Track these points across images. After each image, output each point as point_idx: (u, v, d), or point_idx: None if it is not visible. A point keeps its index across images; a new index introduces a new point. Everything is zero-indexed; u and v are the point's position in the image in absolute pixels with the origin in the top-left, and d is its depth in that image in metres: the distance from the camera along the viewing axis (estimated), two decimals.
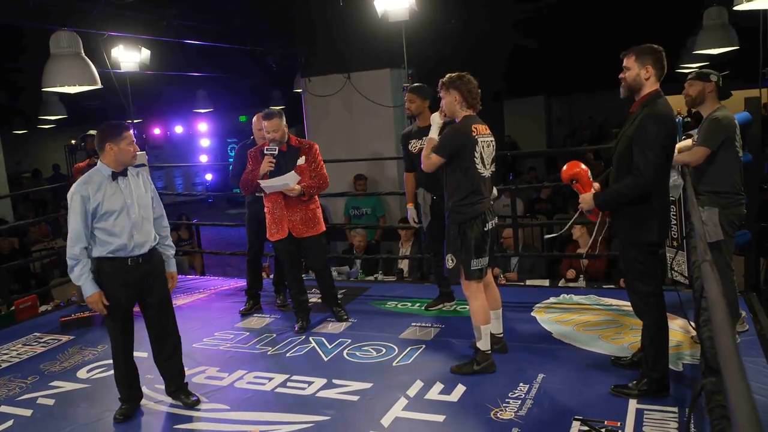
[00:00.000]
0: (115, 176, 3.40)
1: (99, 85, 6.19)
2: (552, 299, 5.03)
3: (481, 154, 3.67)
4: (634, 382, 3.34)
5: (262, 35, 9.10)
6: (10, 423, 3.51)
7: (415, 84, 4.87)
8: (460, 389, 3.57)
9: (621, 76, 3.23)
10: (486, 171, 3.71)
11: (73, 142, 17.35)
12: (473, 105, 3.74)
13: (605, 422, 3.11)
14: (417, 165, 4.66)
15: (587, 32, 9.74)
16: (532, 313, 4.74)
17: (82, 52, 6.07)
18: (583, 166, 3.45)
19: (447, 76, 3.76)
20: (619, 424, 3.09)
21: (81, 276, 3.32)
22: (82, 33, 6.28)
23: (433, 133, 3.82)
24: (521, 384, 3.57)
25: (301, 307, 4.74)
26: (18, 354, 4.68)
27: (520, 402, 3.38)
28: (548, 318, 4.63)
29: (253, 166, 4.55)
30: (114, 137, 3.37)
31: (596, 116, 17.26)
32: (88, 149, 6.23)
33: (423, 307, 4.99)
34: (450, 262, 3.73)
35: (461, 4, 8.69)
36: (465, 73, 3.78)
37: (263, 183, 4.41)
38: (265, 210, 4.62)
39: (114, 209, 3.35)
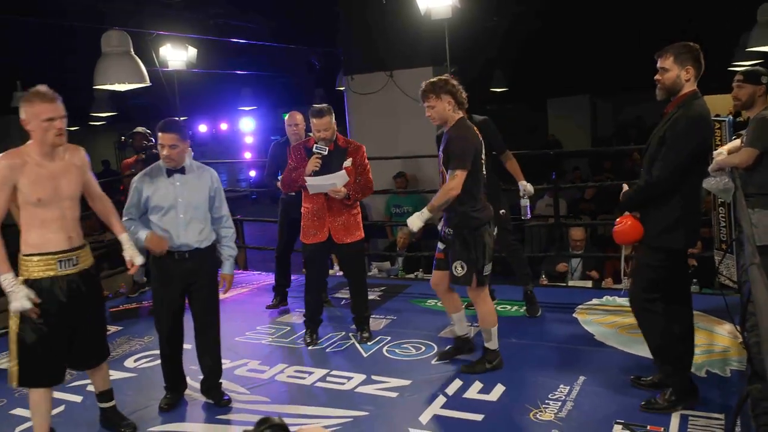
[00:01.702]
0: (170, 173, 3.47)
1: (148, 83, 6.35)
2: (594, 300, 4.96)
3: (483, 156, 3.66)
4: (661, 395, 3.23)
5: (305, 34, 9.21)
6: (61, 408, 3.63)
7: None
8: (500, 389, 3.55)
9: (657, 78, 3.10)
10: (485, 173, 3.74)
11: (122, 138, 17.82)
12: (463, 106, 3.64)
13: (648, 427, 3.06)
14: None
15: (635, 29, 9.54)
16: (574, 315, 4.68)
17: (132, 50, 6.24)
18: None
19: (431, 82, 3.58)
20: (662, 429, 3.04)
21: (134, 231, 3.41)
22: (131, 32, 6.45)
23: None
24: (562, 385, 3.54)
25: (314, 320, 4.49)
26: None
27: (560, 404, 3.35)
28: (590, 319, 4.56)
29: (296, 163, 4.30)
30: (156, 133, 3.46)
31: (644, 115, 16.93)
32: (135, 146, 6.38)
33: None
34: (460, 269, 3.61)
35: (505, 1, 8.62)
36: (446, 75, 3.69)
37: (310, 181, 4.16)
38: (304, 210, 4.36)
39: (162, 205, 3.43)
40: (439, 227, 3.85)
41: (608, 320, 4.52)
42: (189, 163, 3.53)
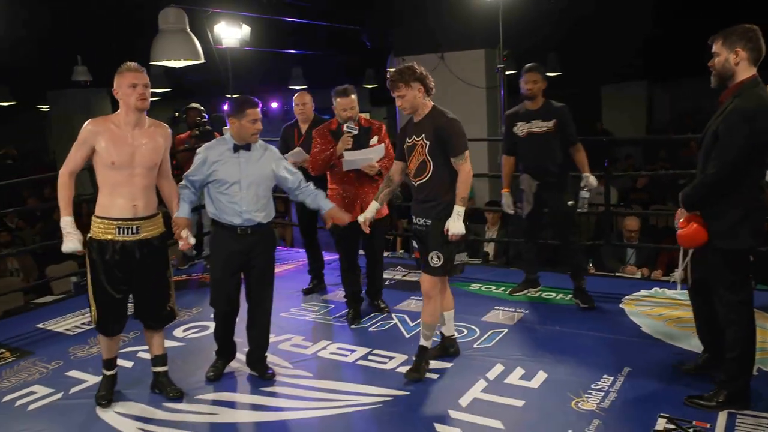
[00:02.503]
0: (236, 149, 3.52)
1: (202, 60, 6.46)
2: (643, 292, 4.86)
3: None
4: (711, 393, 3.13)
5: (358, 13, 9.19)
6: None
7: (534, 64, 4.56)
8: (542, 376, 3.53)
9: (710, 64, 2.98)
10: None
11: (176, 114, 18.19)
12: (431, 93, 3.53)
13: (693, 422, 3.00)
14: (521, 149, 4.55)
15: (697, 12, 9.19)
16: (621, 305, 4.60)
17: (188, 28, 6.34)
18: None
19: (398, 71, 3.44)
20: (708, 425, 2.98)
21: (181, 197, 3.50)
22: (188, 9, 6.55)
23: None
24: (605, 376, 3.49)
25: (355, 297, 4.54)
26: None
27: (603, 394, 3.31)
28: (637, 311, 4.48)
29: (322, 146, 4.31)
30: (237, 113, 3.47)
31: (703, 103, 16.35)
32: (189, 121, 6.51)
33: (507, 292, 4.94)
34: (436, 259, 3.48)
35: None
36: (412, 63, 3.53)
37: (348, 156, 4.21)
38: (331, 193, 4.33)
39: (227, 180, 3.48)
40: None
41: (656, 312, 4.43)
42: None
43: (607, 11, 9.39)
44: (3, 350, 4.27)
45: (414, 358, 3.65)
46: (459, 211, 3.40)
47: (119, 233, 3.21)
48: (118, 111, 3.26)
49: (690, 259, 3.20)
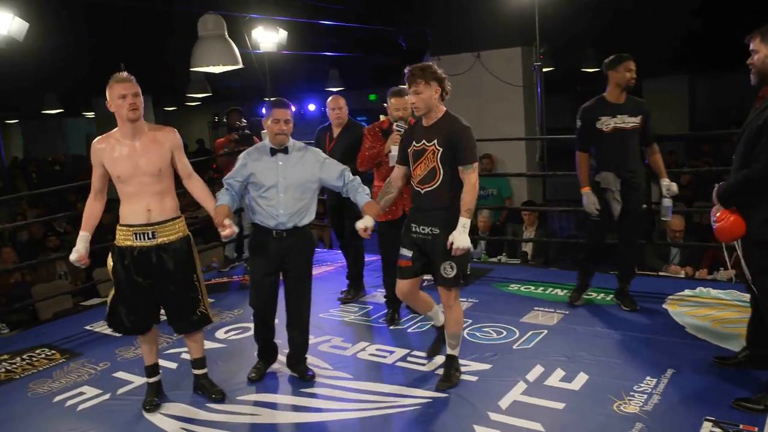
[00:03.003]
0: (273, 152, 3.56)
1: (241, 65, 6.55)
2: (687, 291, 4.76)
3: None
4: (759, 395, 3.06)
5: (392, 14, 9.21)
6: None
7: (625, 54, 4.31)
8: (582, 378, 3.49)
9: (749, 62, 2.93)
10: None
11: (216, 118, 18.51)
12: (445, 99, 3.45)
13: (740, 426, 2.93)
14: (603, 145, 4.24)
15: (740, 3, 8.95)
16: (664, 305, 4.51)
17: (226, 33, 6.44)
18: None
19: (420, 66, 3.34)
20: (755, 429, 2.90)
21: (220, 192, 3.56)
22: (226, 16, 6.66)
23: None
24: (648, 377, 3.44)
25: (395, 300, 4.44)
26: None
27: (646, 396, 3.25)
28: (681, 311, 4.39)
29: (372, 143, 4.37)
30: (266, 115, 3.56)
31: (747, 96, 15.90)
32: (230, 123, 6.60)
33: (568, 301, 4.67)
34: (450, 270, 3.36)
35: None
36: (432, 63, 3.43)
37: (395, 151, 4.06)
38: (376, 188, 4.32)
39: (264, 184, 3.52)
40: (403, 228, 3.57)
41: (701, 313, 4.33)
42: (292, 143, 3.61)
43: (646, 4, 9.21)
44: (54, 351, 4.41)
45: (443, 368, 3.62)
46: (465, 223, 3.28)
47: (136, 239, 3.27)
48: (117, 125, 3.29)
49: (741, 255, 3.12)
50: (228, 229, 3.40)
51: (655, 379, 3.41)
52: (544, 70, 8.24)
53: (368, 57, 12.77)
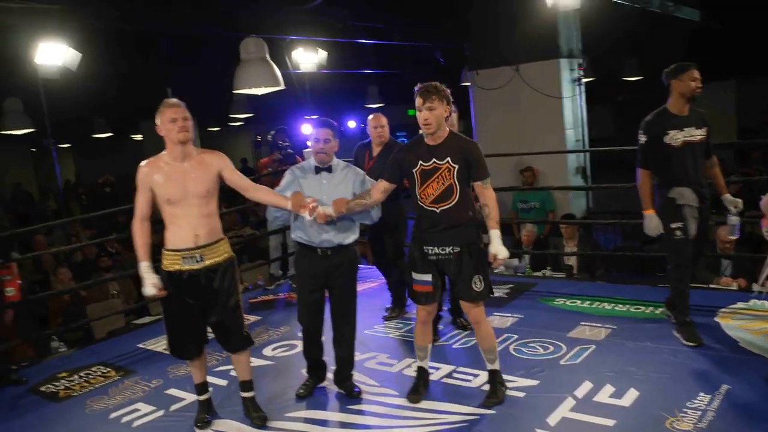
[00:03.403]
0: (318, 170, 3.65)
1: (282, 86, 6.69)
2: (740, 304, 4.63)
3: None
4: None
5: (430, 31, 9.28)
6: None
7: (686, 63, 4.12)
8: (633, 394, 3.43)
9: None
10: None
11: (258, 138, 18.87)
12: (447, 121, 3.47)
13: None
14: (673, 160, 3.97)
15: None
16: (716, 319, 4.41)
17: (268, 56, 6.59)
18: None
19: (435, 84, 3.36)
20: None
21: (273, 216, 3.66)
22: (267, 39, 6.82)
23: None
24: (702, 394, 3.36)
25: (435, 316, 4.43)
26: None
27: (700, 413, 3.18)
28: (734, 324, 4.28)
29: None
30: (312, 130, 3.65)
31: None
32: (277, 141, 6.70)
33: (593, 305, 4.69)
34: (479, 283, 3.39)
35: None
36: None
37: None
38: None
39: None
40: (413, 253, 3.52)
41: (755, 326, 4.22)
42: (336, 162, 3.69)
43: (685, 11, 9.07)
44: (109, 369, 4.55)
45: (489, 384, 3.61)
46: (498, 234, 3.38)
47: (184, 263, 3.33)
48: (166, 148, 3.37)
49: None
50: (313, 204, 3.45)
51: (709, 396, 3.33)
52: (585, 80, 8.17)
53: (406, 73, 12.86)
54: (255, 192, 3.61)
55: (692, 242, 4.03)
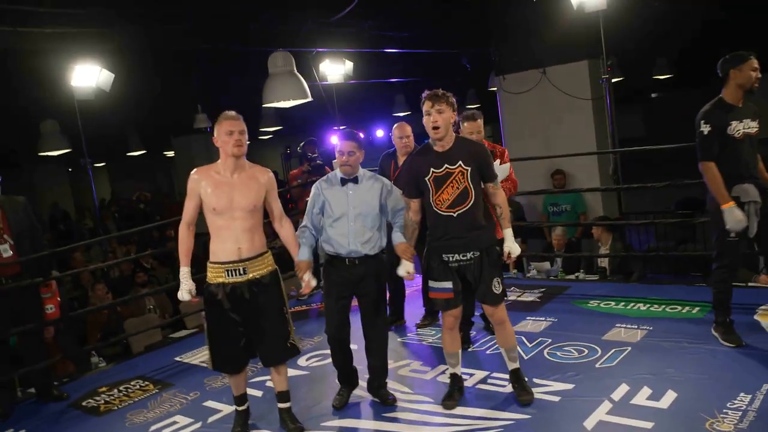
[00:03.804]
0: (344, 182, 3.68)
1: (310, 99, 6.76)
2: None
3: None
4: None
5: (455, 37, 9.29)
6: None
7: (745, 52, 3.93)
8: (671, 396, 3.38)
9: None
10: None
11: (287, 150, 19.06)
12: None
13: None
14: (734, 153, 3.80)
15: None
16: (756, 317, 4.31)
17: (295, 69, 6.68)
18: None
19: (440, 90, 3.41)
20: None
21: (300, 240, 3.66)
22: (294, 52, 6.91)
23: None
24: (742, 394, 3.29)
25: (467, 322, 4.41)
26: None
27: (740, 414, 3.11)
28: None
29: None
30: (337, 142, 3.69)
31: None
32: (307, 152, 6.75)
33: (627, 307, 4.62)
34: (498, 285, 3.46)
35: None
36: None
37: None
38: None
39: (335, 214, 3.64)
40: (429, 262, 3.53)
41: None
42: (362, 173, 3.72)
43: (714, 8, 8.91)
44: (147, 383, 4.64)
45: (516, 384, 3.62)
46: (511, 233, 3.49)
47: (228, 275, 3.37)
48: (220, 159, 3.44)
49: None
50: (306, 286, 3.55)
51: (750, 396, 3.26)
52: (613, 80, 8.08)
53: (433, 80, 12.90)
54: (282, 225, 3.62)
55: (747, 241, 3.92)
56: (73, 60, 6.81)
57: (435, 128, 3.38)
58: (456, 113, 3.48)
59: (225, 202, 3.34)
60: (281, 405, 3.66)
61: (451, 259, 3.48)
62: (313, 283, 3.62)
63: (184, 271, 3.41)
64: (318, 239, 3.75)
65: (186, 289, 3.37)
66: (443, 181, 3.43)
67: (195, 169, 3.46)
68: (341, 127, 9.12)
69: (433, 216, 3.50)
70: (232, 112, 3.41)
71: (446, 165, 3.43)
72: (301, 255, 3.62)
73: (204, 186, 3.38)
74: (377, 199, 3.67)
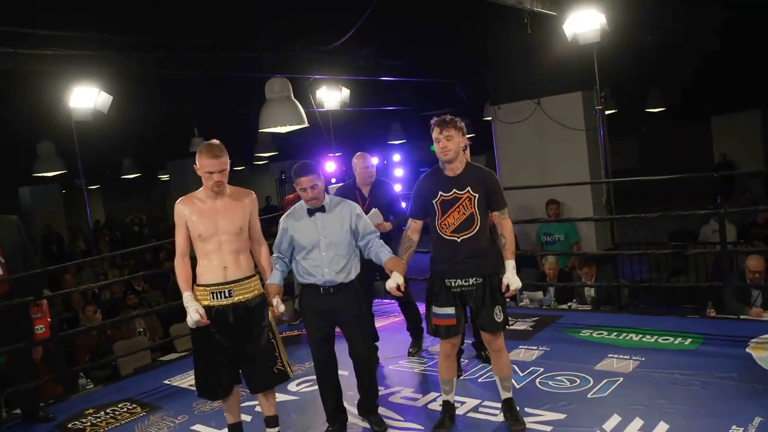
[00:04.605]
0: (311, 213, 3.60)
1: (306, 124, 6.81)
2: None
3: None
4: None
5: (450, 67, 9.41)
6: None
7: None
8: (663, 427, 3.36)
9: None
10: None
11: (282, 175, 19.14)
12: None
13: None
14: None
15: None
16: (747, 350, 4.31)
17: (292, 95, 6.73)
18: None
19: (451, 117, 3.44)
20: None
21: (273, 264, 3.61)
22: (291, 78, 6.98)
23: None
24: (734, 426, 3.28)
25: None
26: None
27: None
28: (766, 356, 4.17)
29: None
30: (294, 179, 3.58)
31: None
32: None
33: (620, 337, 4.63)
34: (500, 314, 3.46)
35: (656, 17, 8.24)
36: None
37: None
38: None
39: (305, 245, 3.58)
40: (433, 287, 3.53)
41: None
42: (328, 200, 3.65)
43: (708, 41, 9.07)
44: (135, 405, 4.58)
45: (508, 414, 3.61)
46: (513, 265, 3.43)
47: (213, 298, 3.35)
48: (202, 186, 3.41)
49: None
50: (275, 309, 3.49)
51: (742, 429, 3.25)
52: (607, 112, 8.17)
53: (428, 109, 13.03)
54: (258, 249, 3.58)
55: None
56: (71, 82, 6.85)
57: (445, 153, 3.40)
58: (465, 138, 3.50)
59: (211, 228, 3.35)
60: (270, 430, 3.61)
61: (453, 284, 3.47)
62: (282, 308, 3.51)
63: (187, 296, 3.36)
64: (290, 269, 3.70)
65: (193, 309, 3.31)
66: (450, 205, 3.44)
67: (179, 199, 3.46)
68: (296, 165, 9.17)
69: (436, 240, 3.51)
70: (214, 145, 3.35)
71: (455, 189, 3.45)
72: (272, 279, 3.57)
73: (189, 214, 3.38)
74: (348, 224, 3.62)
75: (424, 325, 4.86)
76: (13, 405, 4.72)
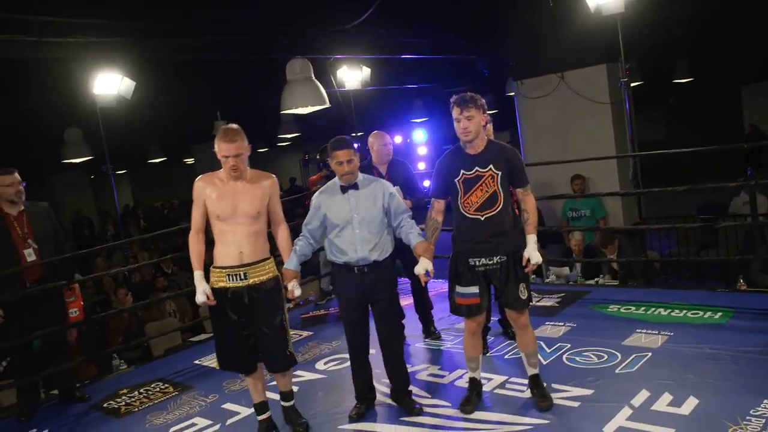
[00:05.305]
0: (344, 190, 3.61)
1: (328, 105, 6.79)
2: None
3: None
4: None
5: (472, 42, 9.28)
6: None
7: None
8: (692, 402, 3.33)
9: None
10: None
11: (306, 156, 19.19)
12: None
13: None
14: None
15: None
16: None
17: (313, 76, 6.71)
18: None
19: (471, 95, 3.39)
20: None
21: (294, 249, 3.61)
22: (312, 59, 6.95)
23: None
24: (766, 401, 3.24)
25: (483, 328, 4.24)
26: None
27: (764, 421, 3.07)
28: None
29: None
30: (330, 153, 3.59)
31: None
32: (325, 159, 6.79)
33: (648, 312, 4.59)
34: (525, 291, 3.46)
35: None
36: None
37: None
38: None
39: (338, 222, 3.58)
40: (456, 267, 3.50)
41: None
42: (361, 177, 3.64)
43: (739, 7, 8.81)
44: (167, 385, 4.68)
45: (535, 390, 3.61)
46: (535, 240, 3.42)
47: (229, 280, 3.39)
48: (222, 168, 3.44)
49: None
50: (290, 294, 3.51)
51: None
52: (633, 84, 8.02)
53: (451, 86, 12.90)
54: (279, 230, 3.61)
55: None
56: (95, 69, 6.92)
57: (465, 133, 3.37)
58: (487, 115, 3.46)
59: (229, 209, 3.38)
60: (285, 403, 3.70)
61: (477, 263, 3.46)
62: (297, 292, 3.52)
63: (198, 275, 3.42)
64: (320, 251, 3.71)
65: (201, 291, 3.38)
66: (473, 183, 3.41)
67: (199, 177, 3.49)
68: (359, 133, 9.16)
69: (459, 219, 3.49)
70: (230, 129, 3.37)
71: (477, 168, 3.41)
72: (289, 264, 3.58)
73: (209, 193, 3.41)
74: (380, 202, 3.60)
75: (433, 311, 4.97)
76: (50, 386, 4.86)
